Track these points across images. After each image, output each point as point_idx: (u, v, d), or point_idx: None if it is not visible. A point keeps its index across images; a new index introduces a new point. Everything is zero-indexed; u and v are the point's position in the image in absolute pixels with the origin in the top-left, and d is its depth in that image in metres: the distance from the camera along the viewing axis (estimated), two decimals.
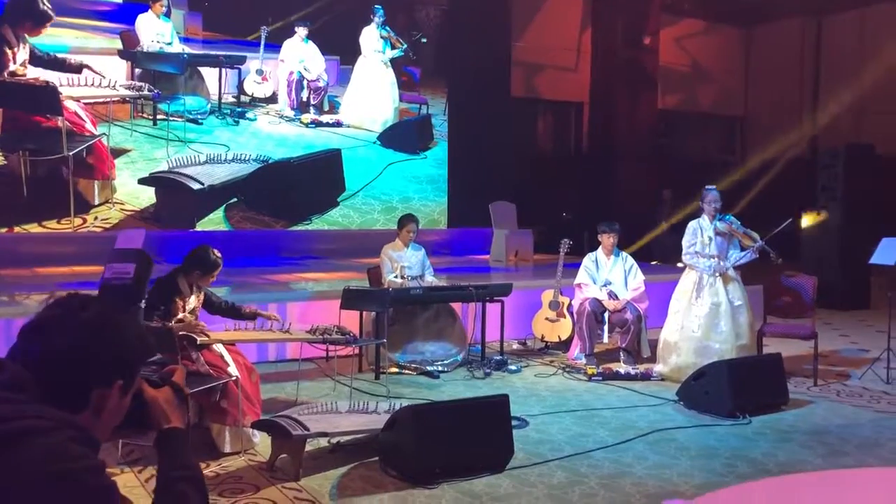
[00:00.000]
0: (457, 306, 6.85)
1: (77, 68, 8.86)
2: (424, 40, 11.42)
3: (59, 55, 8.87)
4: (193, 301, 4.58)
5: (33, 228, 9.01)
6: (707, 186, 6.33)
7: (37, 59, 8.74)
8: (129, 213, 9.46)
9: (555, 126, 14.89)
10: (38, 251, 8.80)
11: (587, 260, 6.91)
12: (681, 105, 15.76)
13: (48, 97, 8.74)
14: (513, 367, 6.43)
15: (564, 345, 7.09)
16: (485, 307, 6.71)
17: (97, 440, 1.36)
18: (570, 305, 7.03)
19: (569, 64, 14.32)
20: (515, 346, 7.42)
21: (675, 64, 15.22)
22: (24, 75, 8.73)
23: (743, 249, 6.18)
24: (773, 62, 16.12)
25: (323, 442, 4.37)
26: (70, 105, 8.97)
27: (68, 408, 1.35)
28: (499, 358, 6.54)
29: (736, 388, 5.25)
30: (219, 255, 4.58)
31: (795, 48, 15.88)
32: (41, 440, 1.26)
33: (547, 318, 7.14)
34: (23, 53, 8.69)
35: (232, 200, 10.07)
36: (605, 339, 6.79)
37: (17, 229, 8.94)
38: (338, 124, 10.90)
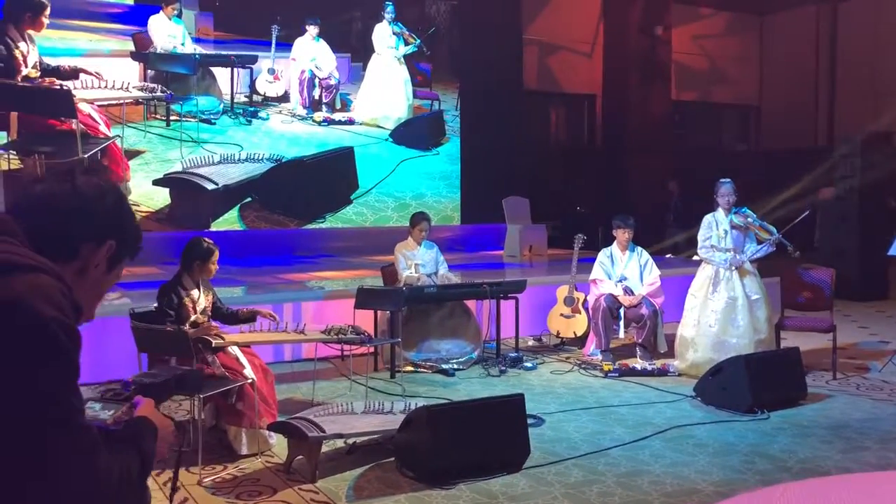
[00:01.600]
0: (471, 303, 6.82)
1: (73, 74, 8.92)
2: (433, 30, 11.37)
3: (53, 64, 8.91)
4: (203, 300, 4.59)
5: None
6: (721, 179, 6.27)
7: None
8: (144, 214, 9.52)
9: (568, 119, 14.82)
10: None
11: (602, 255, 6.86)
12: (695, 96, 15.64)
13: (62, 100, 8.82)
14: (528, 364, 6.41)
15: (580, 341, 7.05)
16: (499, 304, 6.69)
17: (79, 303, 1.30)
18: (585, 301, 7.00)
19: (581, 56, 14.24)
20: (531, 342, 7.40)
21: (688, 54, 15.10)
22: (37, 78, 8.80)
23: (759, 243, 6.11)
24: (788, 50, 15.96)
25: (339, 443, 4.37)
26: (84, 108, 9.04)
27: (55, 256, 1.30)
28: (514, 355, 6.52)
29: (754, 383, 5.20)
30: (210, 241, 4.63)
31: (810, 36, 15.71)
32: (22, 276, 1.21)
33: (562, 314, 7.11)
34: (33, 55, 8.75)
35: (246, 200, 10.12)
36: (622, 335, 6.76)
37: None
38: (350, 122, 10.91)
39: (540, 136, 13.31)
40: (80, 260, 1.36)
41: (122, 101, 9.37)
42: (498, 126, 11.76)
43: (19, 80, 8.66)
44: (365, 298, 6.02)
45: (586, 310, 6.96)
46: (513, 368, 6.34)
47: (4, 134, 8.75)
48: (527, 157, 12.15)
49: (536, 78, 13.65)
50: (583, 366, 6.46)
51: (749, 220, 6.09)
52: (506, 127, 11.92)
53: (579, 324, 7.03)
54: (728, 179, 6.25)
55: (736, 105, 16.57)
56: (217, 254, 4.58)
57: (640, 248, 6.87)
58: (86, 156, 8.93)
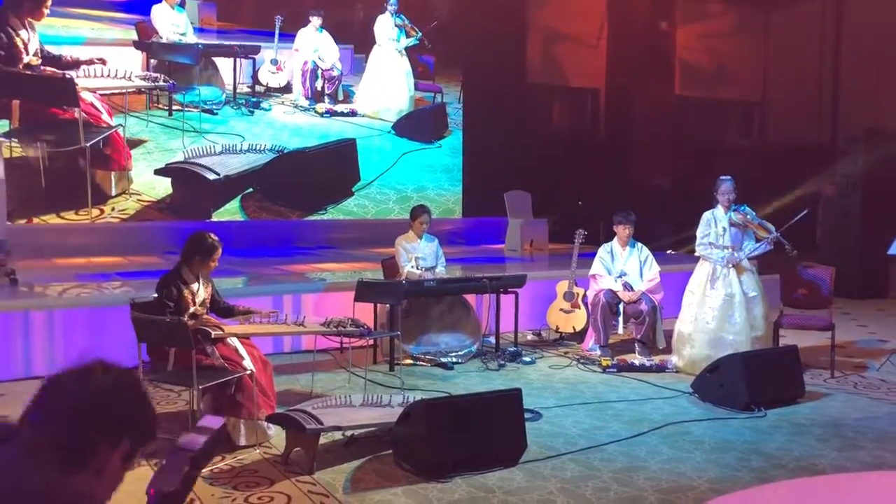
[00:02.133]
0: (471, 297, 6.85)
1: (75, 64, 8.94)
2: (435, 23, 11.35)
3: (55, 53, 8.93)
4: (202, 292, 4.60)
5: (52, 219, 9.11)
6: (721, 177, 6.27)
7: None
8: (145, 203, 9.53)
9: (571, 113, 14.79)
10: (56, 242, 8.89)
11: (602, 251, 6.88)
12: (698, 90, 15.60)
13: (65, 89, 8.84)
14: (527, 359, 6.43)
15: (579, 336, 7.07)
16: (499, 298, 6.71)
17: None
18: (584, 296, 7.01)
19: (586, 49, 14.20)
20: (530, 336, 7.41)
21: (691, 48, 15.05)
22: (39, 66, 8.81)
23: (758, 240, 6.12)
24: (792, 46, 15.90)
25: (337, 435, 4.40)
26: (86, 96, 9.05)
27: (72, 464, 1.37)
28: (513, 349, 6.54)
29: (751, 380, 5.22)
30: (215, 237, 4.58)
31: (815, 32, 15.66)
32: None
33: (561, 309, 7.13)
34: (34, 43, 8.76)
35: (248, 190, 10.13)
36: (620, 331, 6.78)
37: (35, 220, 9.04)
38: (352, 114, 10.91)
39: (543, 130, 13.27)
40: (97, 461, 1.43)
41: (124, 90, 9.38)
42: (500, 119, 11.74)
43: (21, 67, 8.66)
44: (365, 291, 6.04)
45: (586, 305, 6.97)
46: (511, 363, 6.36)
47: (7, 122, 8.75)
48: (529, 151, 12.13)
49: (540, 71, 13.62)
50: (581, 361, 6.48)
51: (748, 217, 6.10)
52: (508, 120, 11.90)
53: (578, 319, 7.05)
54: (728, 177, 6.25)
55: (739, 101, 16.53)
56: (220, 251, 4.57)
57: (640, 244, 6.88)
58: (88, 144, 8.95)
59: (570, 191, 11.97)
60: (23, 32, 8.63)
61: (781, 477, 4.09)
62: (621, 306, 6.63)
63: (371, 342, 6.19)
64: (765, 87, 16.64)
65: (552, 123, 14.30)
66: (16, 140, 8.80)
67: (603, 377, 6.05)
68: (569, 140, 13.91)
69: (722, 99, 16.15)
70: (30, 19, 8.66)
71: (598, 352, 6.60)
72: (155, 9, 9.59)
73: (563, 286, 7.16)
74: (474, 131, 11.81)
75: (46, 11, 8.76)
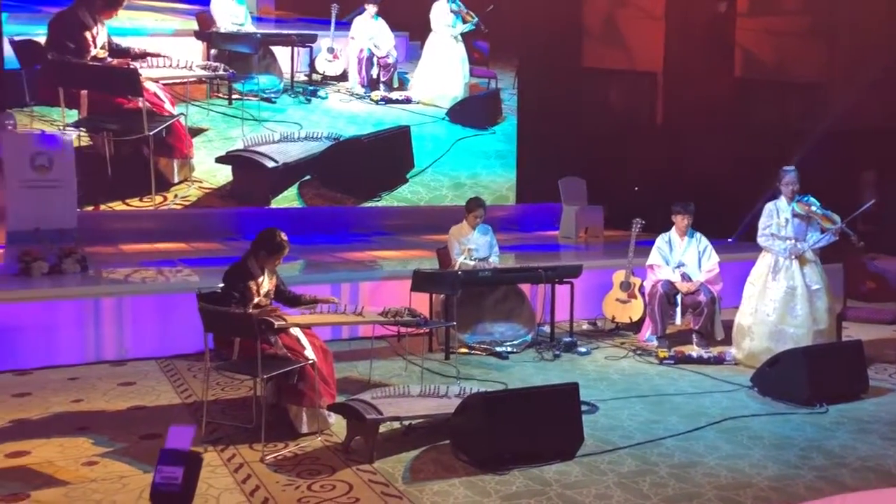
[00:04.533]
0: (525, 287, 6.86)
1: (141, 56, 9.19)
2: (491, 7, 11.29)
3: (123, 46, 9.18)
4: (267, 283, 4.72)
5: (117, 206, 9.40)
6: (784, 167, 6.14)
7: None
8: (207, 190, 9.76)
9: (627, 97, 14.57)
10: (122, 228, 9.20)
11: (660, 241, 6.81)
12: (759, 73, 15.20)
13: (130, 79, 9.08)
14: (582, 349, 6.42)
15: (635, 326, 7.03)
16: (554, 288, 6.71)
17: None
18: (641, 286, 6.96)
19: (643, 33, 13.96)
20: (585, 326, 7.40)
21: (752, 29, 14.66)
22: (105, 59, 9.07)
23: (823, 232, 5.99)
24: (859, 27, 15.36)
25: (396, 423, 4.48)
26: (150, 86, 9.28)
27: None
28: (568, 339, 6.53)
29: (813, 375, 5.13)
30: (285, 237, 4.69)
31: (882, 6, 15.08)
32: None
33: (618, 299, 7.09)
34: (102, 36, 9.03)
35: (305, 177, 10.28)
36: (678, 321, 6.71)
37: (102, 207, 9.34)
38: (407, 101, 10.95)
39: (598, 115, 13.10)
40: None
41: (185, 80, 9.58)
42: (556, 105, 11.65)
43: (88, 60, 8.93)
44: (421, 282, 6.11)
45: (643, 295, 6.92)
46: (567, 353, 6.36)
47: (76, 112, 9.04)
48: (584, 137, 12.01)
49: (596, 56, 13.44)
50: (638, 352, 6.45)
51: (812, 208, 5.96)
52: (564, 106, 11.80)
53: (635, 309, 7.00)
54: (792, 167, 6.12)
55: (803, 84, 16.05)
56: (286, 251, 4.70)
57: (698, 234, 6.79)
58: (151, 133, 9.19)
59: (626, 177, 11.81)
60: (93, 27, 8.90)
61: (845, 476, 4.03)
62: (679, 297, 6.57)
63: (427, 331, 6.26)
64: (831, 68, 16.12)
65: (608, 108, 14.10)
66: (84, 129, 9.08)
67: (660, 369, 6.01)
68: (625, 125, 13.71)
69: (785, 81, 15.71)
70: (101, 17, 8.94)
71: (656, 343, 6.56)
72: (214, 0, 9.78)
73: (619, 276, 7.12)
74: (529, 117, 11.75)
75: (117, 13, 9.05)
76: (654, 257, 6.76)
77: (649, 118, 14.22)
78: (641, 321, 6.93)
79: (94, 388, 5.34)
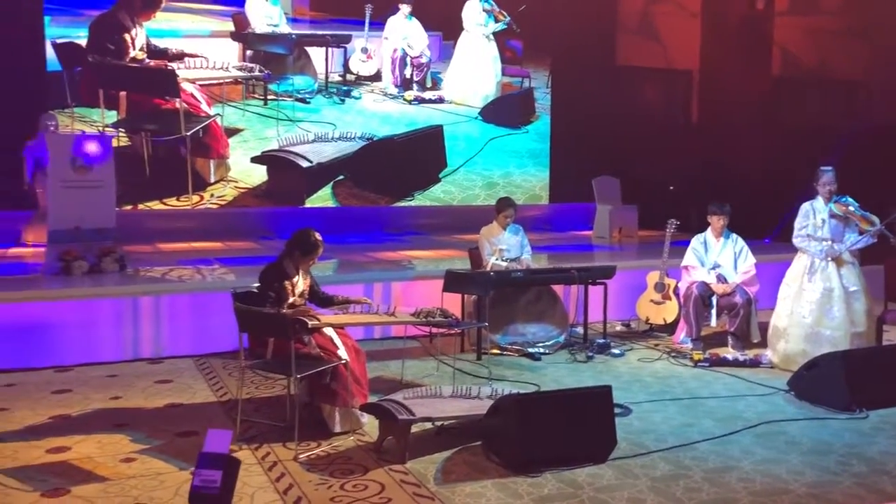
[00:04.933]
0: (558, 287, 6.83)
1: (178, 56, 9.33)
2: (523, 7, 11.26)
3: (161, 47, 9.31)
4: (301, 284, 4.76)
5: (155, 205, 9.55)
6: (822, 167, 6.03)
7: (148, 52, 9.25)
8: (242, 190, 9.87)
9: (662, 95, 14.41)
10: (159, 227, 9.35)
11: (695, 241, 6.73)
12: (796, 70, 14.94)
13: (167, 80, 9.21)
14: (616, 351, 6.38)
15: (669, 328, 6.96)
16: (587, 289, 6.67)
17: None
18: (676, 288, 6.89)
19: (678, 30, 13.80)
20: (619, 327, 7.35)
21: (791, 28, 14.41)
22: (144, 60, 9.21)
23: (861, 233, 5.87)
24: None
25: (428, 424, 4.49)
26: (187, 87, 9.41)
27: None
28: (601, 341, 6.50)
29: (852, 379, 5.03)
30: (319, 237, 4.73)
31: None
32: None
33: (652, 301, 7.03)
34: (141, 38, 9.18)
35: (339, 177, 10.35)
36: (713, 323, 6.63)
37: (140, 206, 9.50)
38: (440, 100, 10.97)
39: (632, 114, 12.97)
40: None
41: (222, 81, 9.70)
42: (589, 103, 11.56)
43: (127, 61, 9.08)
44: (453, 282, 6.11)
45: (677, 296, 6.85)
46: (600, 354, 6.32)
47: (115, 113, 9.19)
48: (618, 135, 11.90)
49: (630, 53, 13.31)
50: (672, 354, 6.38)
51: (850, 209, 5.85)
52: (597, 104, 11.70)
53: (669, 310, 6.94)
54: (829, 167, 6.01)
55: (842, 80, 15.73)
56: (320, 251, 4.74)
57: (734, 235, 6.70)
58: (188, 133, 9.31)
59: (661, 176, 11.69)
60: (132, 29, 9.05)
61: (885, 483, 3.95)
62: (714, 298, 6.49)
63: (459, 331, 6.26)
64: (870, 67, 15.77)
65: (642, 107, 13.95)
66: (122, 130, 9.24)
67: (694, 371, 5.94)
68: (660, 124, 13.57)
69: (823, 80, 15.41)
70: (140, 20, 9.09)
71: (690, 345, 6.49)
72: (249, 1, 9.87)
73: (653, 277, 7.05)
74: (562, 116, 11.69)
75: (155, 16, 9.19)
76: (689, 258, 6.68)
77: (685, 116, 14.05)
78: (676, 323, 6.86)
79: (132, 385, 5.44)
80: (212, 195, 9.75)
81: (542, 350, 6.35)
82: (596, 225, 10.37)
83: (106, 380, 5.56)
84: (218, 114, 9.64)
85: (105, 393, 5.24)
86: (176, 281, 6.66)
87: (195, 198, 9.66)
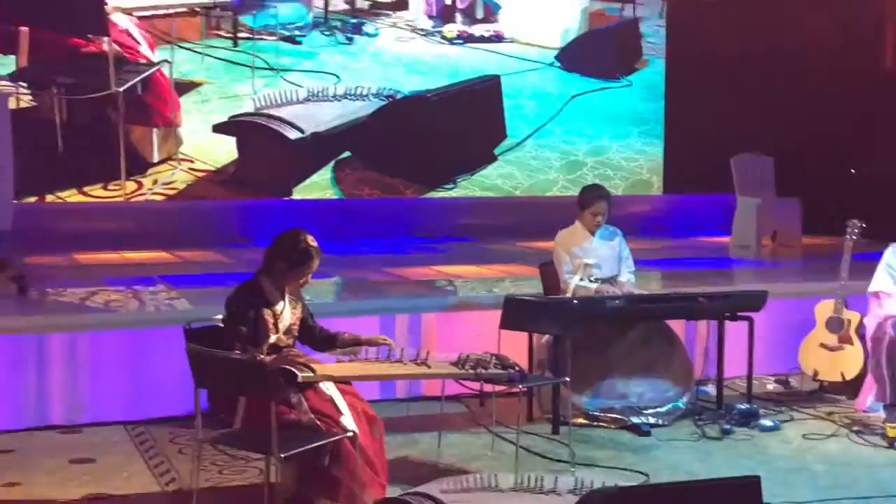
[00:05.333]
0: (678, 325, 6.78)
1: None
2: None
3: None
4: (288, 314, 4.77)
5: (71, 197, 9.74)
6: None
7: None
8: (200, 174, 10.00)
9: (842, 32, 14.20)
10: (77, 229, 9.50)
11: (890, 254, 6.65)
12: None
13: (88, 9, 9.36)
14: (767, 423, 6.31)
15: (851, 387, 6.88)
16: (723, 327, 6.61)
17: None
18: (861, 325, 6.82)
19: None
20: (771, 386, 7.30)
21: None
22: None
23: None
24: None
25: None
26: (119, 21, 9.55)
27: None
28: (745, 407, 6.43)
29: None
30: (313, 243, 4.72)
31: None
32: None
33: (823, 345, 6.96)
34: None
35: (343, 155, 10.43)
36: None
37: (48, 198, 9.67)
38: (497, 38, 11.01)
39: (794, 59, 12.86)
40: None
41: (171, 10, 9.84)
42: (724, 43, 11.50)
43: None
44: (516, 315, 6.08)
45: (862, 339, 6.78)
46: (742, 427, 6.26)
47: (12, 59, 9.35)
48: (771, 93, 11.81)
49: None
50: (854, 428, 6.31)
51: None
52: (736, 44, 11.63)
53: (850, 360, 6.87)
54: None
55: None
56: (317, 262, 4.72)
57: None
58: (120, 89, 9.46)
59: (838, 155, 11.55)
60: None
61: None
62: None
63: (525, 390, 6.24)
64: None
65: (811, 48, 13.74)
66: (24, 84, 9.41)
67: (890, 455, 5.87)
68: (838, 76, 13.40)
69: None
70: None
71: (883, 413, 6.39)
72: None
73: (825, 308, 6.98)
74: (683, 62, 11.70)
75: None
76: (880, 281, 6.59)
77: (876, 64, 13.84)
78: (860, 379, 6.78)
79: (36, 466, 5.50)
80: (156, 181, 9.91)
81: (652, 420, 6.30)
82: (736, 228, 10.29)
83: None
84: (165, 61, 9.79)
85: None
86: (101, 310, 6.75)
87: (131, 185, 9.83)
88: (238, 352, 4.50)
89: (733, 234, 10.35)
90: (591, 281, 6.52)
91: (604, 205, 6.63)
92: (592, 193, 6.72)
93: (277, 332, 4.72)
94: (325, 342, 4.99)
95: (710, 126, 11.17)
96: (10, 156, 7.16)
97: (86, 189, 9.77)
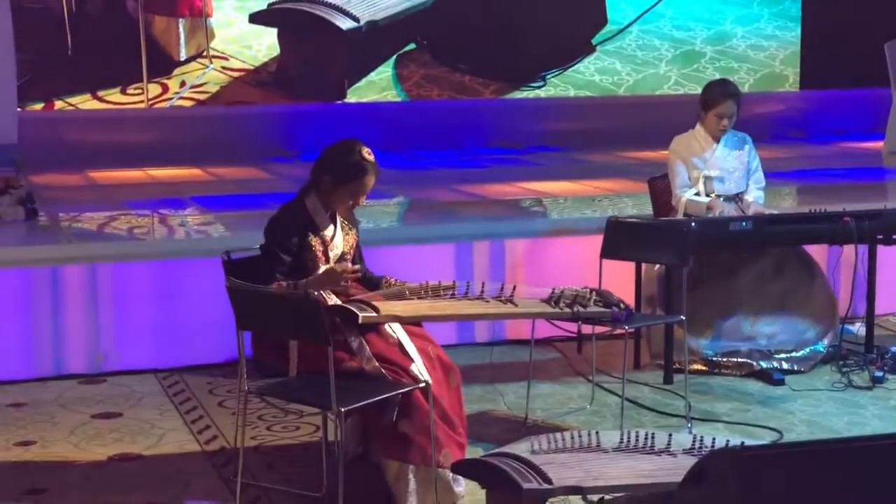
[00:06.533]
0: (818, 251, 6.73)
1: None
2: None
3: None
4: (340, 241, 4.79)
5: (84, 103, 9.86)
6: None
7: None
8: (235, 73, 10.05)
9: None
10: (91, 141, 9.65)
11: None
12: None
13: None
14: None
15: None
16: (874, 252, 6.57)
17: None
18: None
19: None
20: None
21: None
22: None
23: None
24: None
25: (576, 497, 4.52)
26: None
27: None
28: None
29: None
30: (369, 155, 4.70)
31: None
32: None
33: None
34: None
35: (408, 47, 10.40)
36: None
37: (58, 104, 9.79)
38: None
39: None
40: None
41: None
42: None
43: None
44: (620, 240, 6.07)
45: None
46: None
47: None
48: None
49: None
50: None
51: None
52: None
53: None
54: None
55: None
56: (373, 178, 4.71)
57: None
58: None
59: None
60: None
61: None
62: None
63: (632, 332, 6.25)
64: None
65: None
66: None
67: None
68: None
69: None
70: None
71: None
72: None
73: None
74: None
75: None
76: None
77: None
78: None
79: (53, 422, 5.63)
80: (183, 83, 9.98)
81: (786, 366, 6.30)
82: (890, 130, 10.12)
83: (7, 413, 5.78)
84: None
85: (6, 436, 5.44)
86: (124, 238, 6.85)
87: (154, 89, 9.91)
88: (283, 285, 4.53)
89: (887, 139, 10.20)
90: (707, 196, 6.47)
91: (731, 105, 6.55)
92: (718, 91, 6.63)
93: (328, 261, 4.74)
94: (366, 285, 4.96)
95: (858, 3, 10.97)
96: (13, 55, 7.20)
97: (101, 94, 9.87)
